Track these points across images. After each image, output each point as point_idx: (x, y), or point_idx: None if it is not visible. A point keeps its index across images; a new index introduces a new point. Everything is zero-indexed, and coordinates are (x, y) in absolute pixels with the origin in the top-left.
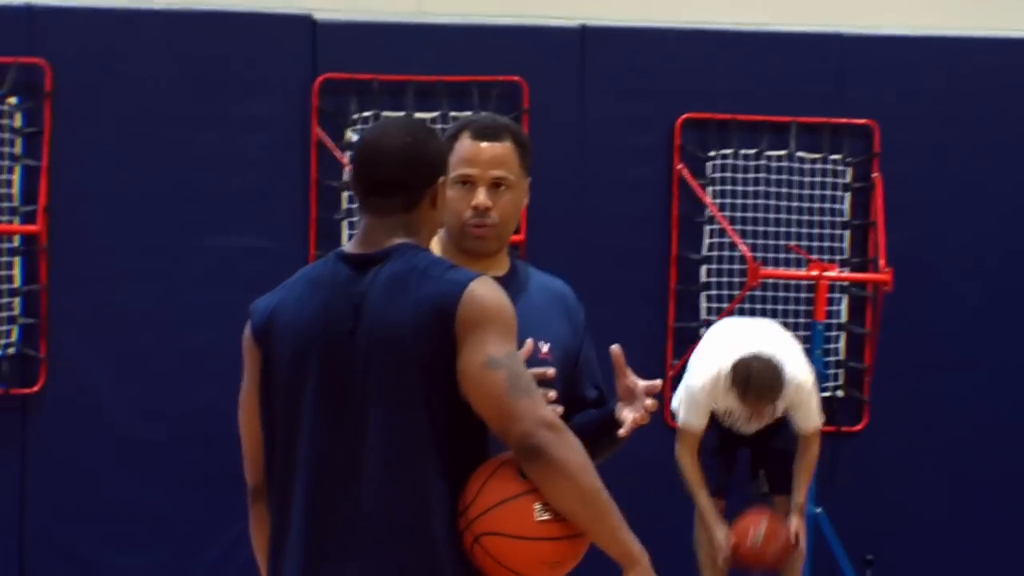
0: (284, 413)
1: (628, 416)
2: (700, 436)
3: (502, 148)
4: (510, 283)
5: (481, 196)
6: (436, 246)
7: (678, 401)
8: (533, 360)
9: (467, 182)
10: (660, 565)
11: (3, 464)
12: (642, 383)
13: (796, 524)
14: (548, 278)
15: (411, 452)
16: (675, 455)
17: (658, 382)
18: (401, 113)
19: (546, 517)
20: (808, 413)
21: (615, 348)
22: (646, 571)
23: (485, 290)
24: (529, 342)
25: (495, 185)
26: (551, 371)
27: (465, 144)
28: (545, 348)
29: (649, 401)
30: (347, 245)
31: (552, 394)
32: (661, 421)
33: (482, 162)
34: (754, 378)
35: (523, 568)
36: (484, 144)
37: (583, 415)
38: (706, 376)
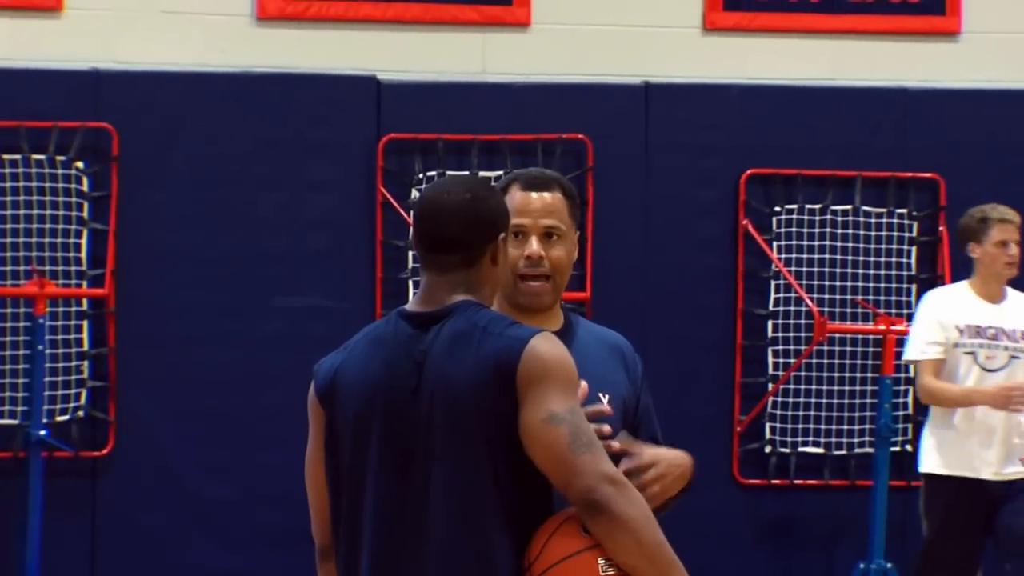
0: (349, 472)
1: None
2: (938, 364)
3: (552, 198)
4: (565, 337)
5: (534, 245)
6: (493, 304)
7: (908, 353)
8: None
9: (519, 233)
10: None
11: (74, 527)
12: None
13: None
14: (603, 330)
15: (475, 509)
16: (919, 393)
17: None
18: (466, 172)
19: (610, 572)
20: None
21: (621, 437)
22: None
23: (547, 346)
24: (584, 386)
25: (547, 235)
26: (607, 428)
27: (516, 196)
28: (605, 400)
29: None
30: (409, 304)
31: (613, 441)
32: (728, 476)
33: (533, 211)
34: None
35: None
36: (534, 195)
37: None
38: (929, 304)
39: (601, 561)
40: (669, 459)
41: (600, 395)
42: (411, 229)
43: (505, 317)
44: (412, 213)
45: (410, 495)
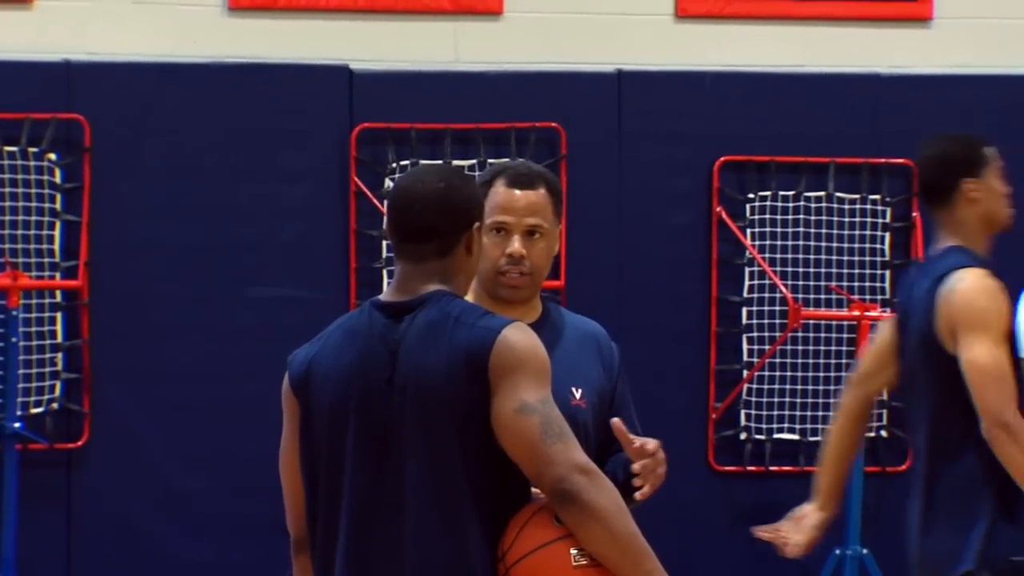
0: (324, 463)
1: (642, 481)
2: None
3: (536, 196)
4: (542, 328)
5: (516, 244)
6: (469, 294)
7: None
8: (565, 406)
9: (502, 229)
10: None
11: (48, 519)
12: (650, 442)
13: None
14: (581, 320)
15: (448, 499)
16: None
17: (657, 442)
18: (439, 161)
19: (583, 562)
20: None
21: (615, 421)
22: None
23: (518, 336)
24: None
25: (529, 233)
26: None
27: (500, 191)
28: (578, 394)
29: (662, 455)
30: (383, 294)
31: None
32: (703, 463)
33: (517, 210)
34: None
35: None
36: (519, 192)
37: (617, 458)
38: None
39: (573, 551)
40: (660, 450)
41: (573, 389)
42: (385, 219)
43: (478, 307)
44: (386, 203)
45: (385, 485)
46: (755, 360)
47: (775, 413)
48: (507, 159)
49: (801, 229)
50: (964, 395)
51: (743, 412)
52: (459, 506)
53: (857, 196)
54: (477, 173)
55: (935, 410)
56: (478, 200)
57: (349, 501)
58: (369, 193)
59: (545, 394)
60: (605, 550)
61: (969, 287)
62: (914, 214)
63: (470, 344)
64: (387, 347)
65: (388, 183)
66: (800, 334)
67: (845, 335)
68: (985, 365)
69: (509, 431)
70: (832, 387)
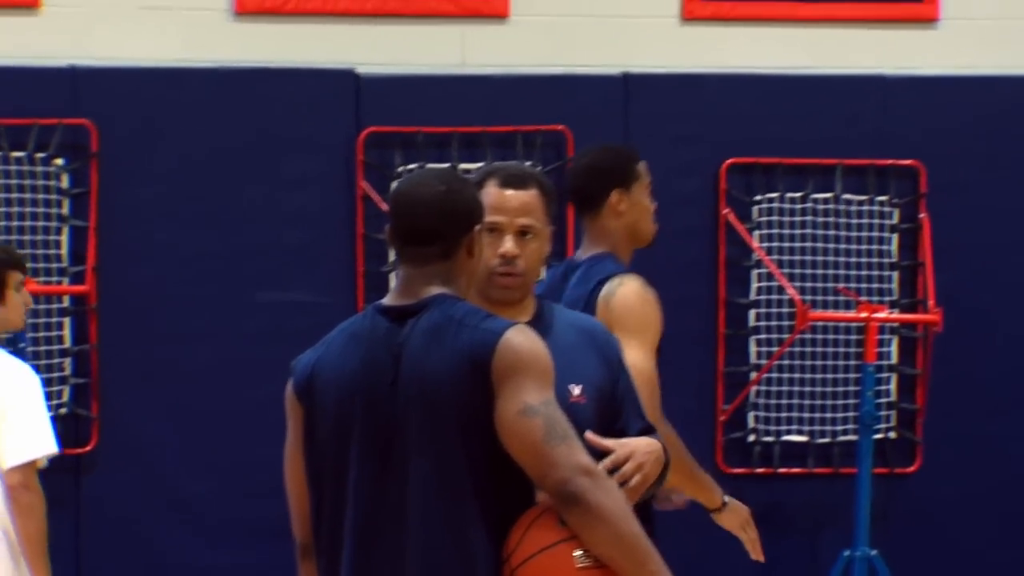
0: (329, 468)
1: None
2: None
3: (529, 196)
4: (537, 327)
5: (509, 244)
6: None
7: None
8: (564, 403)
9: (494, 229)
10: None
11: (57, 524)
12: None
13: None
14: (576, 315)
15: (452, 501)
16: None
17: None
18: (446, 164)
19: (587, 564)
20: None
21: (588, 435)
22: None
23: (521, 338)
24: None
25: (522, 233)
26: None
27: (492, 192)
28: (577, 391)
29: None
30: (386, 298)
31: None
32: (712, 465)
33: (510, 210)
34: None
35: None
36: (511, 192)
37: None
38: None
39: (577, 553)
40: (642, 448)
41: (571, 387)
42: (387, 223)
43: (480, 310)
44: (389, 207)
45: (390, 488)
46: (763, 362)
47: (783, 415)
48: (515, 162)
49: (808, 231)
50: None
51: (751, 414)
52: (463, 508)
53: (864, 198)
54: None
55: None
56: (479, 203)
57: (354, 505)
58: (376, 197)
59: (548, 396)
60: (610, 552)
61: (630, 292)
62: (921, 215)
63: (473, 347)
64: (390, 351)
65: (394, 187)
66: (808, 336)
67: (853, 336)
68: (642, 370)
69: (512, 433)
70: (840, 388)
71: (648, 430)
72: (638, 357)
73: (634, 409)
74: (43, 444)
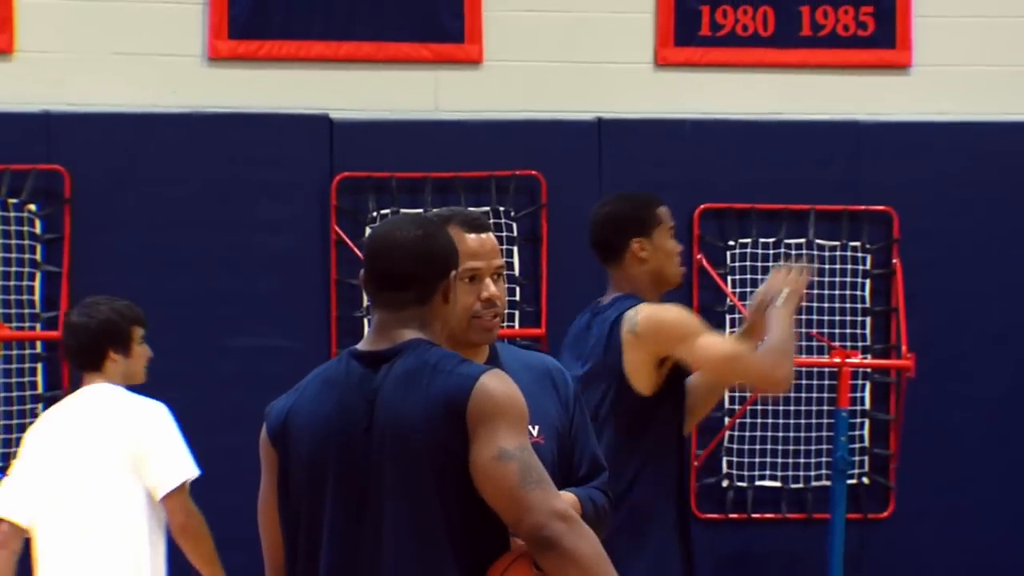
0: (303, 515)
1: None
2: None
3: (493, 238)
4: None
5: (492, 288)
6: None
7: None
8: None
9: (474, 276)
10: None
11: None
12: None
13: None
14: (529, 355)
15: (427, 547)
16: None
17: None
18: (419, 210)
19: None
20: None
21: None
22: None
23: (496, 383)
24: None
25: (497, 275)
26: None
27: (461, 238)
28: (535, 431)
29: None
30: (360, 343)
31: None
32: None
33: (484, 254)
34: None
35: None
36: (483, 236)
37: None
38: None
39: None
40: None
41: (529, 427)
42: (362, 268)
43: (455, 355)
44: (364, 251)
45: (365, 534)
46: (736, 407)
47: (757, 460)
48: (487, 208)
49: None
50: (643, 431)
51: (725, 459)
52: (438, 554)
53: (837, 243)
54: None
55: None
56: (455, 248)
57: (328, 551)
58: (350, 242)
59: (523, 441)
60: None
61: (649, 312)
62: (894, 261)
63: (448, 392)
64: (364, 397)
65: (368, 232)
66: None
67: (827, 382)
68: (724, 356)
69: (488, 478)
70: (814, 434)
71: (595, 468)
72: (708, 350)
73: (583, 447)
74: (186, 469)
